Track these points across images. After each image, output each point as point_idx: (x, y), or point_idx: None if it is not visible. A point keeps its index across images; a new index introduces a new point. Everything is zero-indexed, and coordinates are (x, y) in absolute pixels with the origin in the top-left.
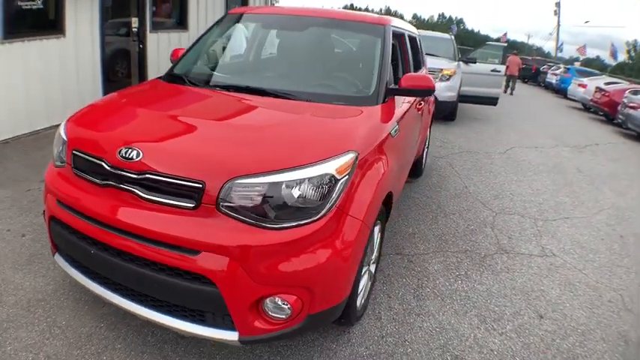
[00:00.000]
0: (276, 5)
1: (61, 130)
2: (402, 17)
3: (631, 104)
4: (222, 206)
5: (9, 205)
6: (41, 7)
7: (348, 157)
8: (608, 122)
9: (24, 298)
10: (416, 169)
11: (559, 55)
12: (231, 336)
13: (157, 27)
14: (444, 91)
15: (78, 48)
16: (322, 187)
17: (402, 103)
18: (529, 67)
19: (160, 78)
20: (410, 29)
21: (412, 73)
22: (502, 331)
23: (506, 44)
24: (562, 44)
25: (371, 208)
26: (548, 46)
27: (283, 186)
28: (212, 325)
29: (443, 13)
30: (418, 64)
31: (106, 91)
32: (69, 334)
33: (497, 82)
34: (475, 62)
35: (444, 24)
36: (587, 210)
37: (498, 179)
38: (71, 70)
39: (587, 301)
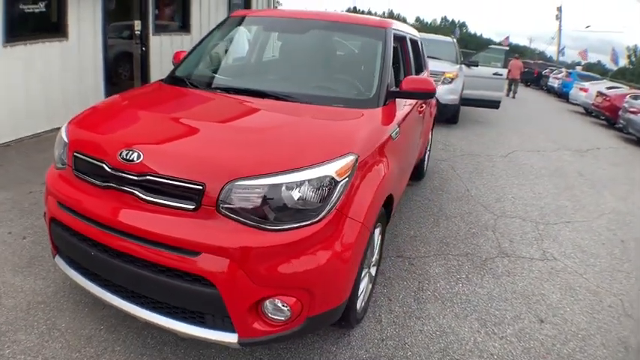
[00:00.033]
0: (279, 8)
1: (63, 133)
2: (404, 20)
3: (631, 109)
4: (222, 208)
5: (10, 207)
6: (44, 10)
7: (348, 160)
8: (609, 127)
9: (24, 301)
10: (418, 172)
11: (561, 59)
12: (231, 338)
13: (159, 30)
14: (447, 94)
15: (80, 51)
16: (322, 189)
17: (404, 106)
18: (531, 70)
19: (161, 80)
20: (411, 32)
21: (413, 76)
22: (502, 335)
23: (508, 48)
24: (564, 48)
25: (371, 211)
26: (550, 50)
27: (283, 188)
28: (212, 326)
29: (446, 17)
30: (420, 67)
31: (108, 94)
32: (68, 336)
33: (500, 86)
34: (477, 65)
35: (446, 27)
36: (589, 214)
37: (500, 182)
38: (74, 72)
39: (587, 306)
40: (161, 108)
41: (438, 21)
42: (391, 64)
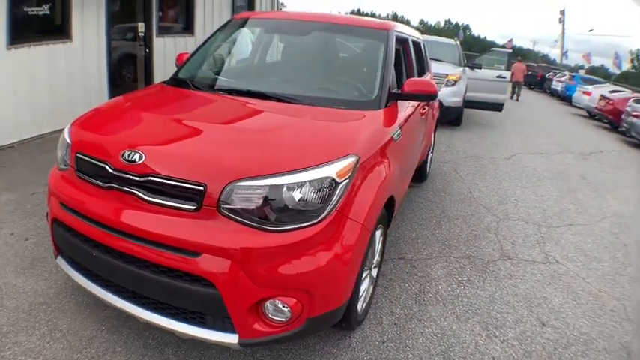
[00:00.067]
0: (282, 10)
1: (65, 134)
2: (408, 23)
3: (634, 113)
4: (223, 209)
5: (13, 208)
6: (48, 12)
7: (349, 161)
8: (612, 130)
9: (25, 302)
10: (420, 174)
11: (564, 62)
12: (231, 338)
13: (163, 32)
14: (450, 96)
15: (84, 53)
16: (323, 191)
17: (406, 108)
18: (534, 73)
19: (164, 82)
20: (414, 34)
21: (415, 78)
22: (504, 338)
23: (511, 50)
24: (567, 51)
25: (372, 212)
26: (554, 54)
27: (284, 189)
28: (212, 327)
29: (449, 19)
30: (422, 70)
31: (112, 95)
32: (70, 337)
33: (503, 88)
34: (480, 68)
35: (450, 30)
36: (591, 217)
37: (503, 185)
38: (77, 74)
39: (589, 310)
40: (163, 109)
41: (442, 23)
42: (393, 66)
